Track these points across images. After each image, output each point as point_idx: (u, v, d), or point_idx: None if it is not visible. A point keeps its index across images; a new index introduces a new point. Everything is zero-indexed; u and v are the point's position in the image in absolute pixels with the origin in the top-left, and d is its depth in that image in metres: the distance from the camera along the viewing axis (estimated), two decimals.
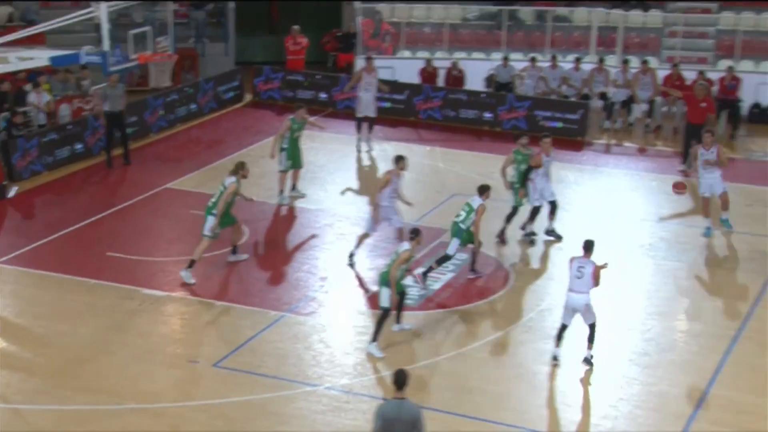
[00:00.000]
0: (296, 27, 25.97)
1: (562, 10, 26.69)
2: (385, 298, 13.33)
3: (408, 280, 14.19)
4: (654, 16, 26.34)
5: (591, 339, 13.01)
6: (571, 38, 26.52)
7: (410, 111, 23.38)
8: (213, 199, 15.47)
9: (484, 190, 15.42)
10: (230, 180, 15.49)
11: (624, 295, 15.24)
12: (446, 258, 15.41)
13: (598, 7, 26.37)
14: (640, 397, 12.52)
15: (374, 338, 13.47)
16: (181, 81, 25.52)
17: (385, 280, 13.38)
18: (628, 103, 23.42)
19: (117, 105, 20.16)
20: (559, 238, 17.01)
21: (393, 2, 27.49)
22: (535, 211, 16.99)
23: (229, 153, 21.28)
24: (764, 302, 14.96)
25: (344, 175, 20.23)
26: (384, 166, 20.49)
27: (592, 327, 12.98)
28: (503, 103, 23.38)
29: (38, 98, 20.97)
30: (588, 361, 13.06)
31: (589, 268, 12.73)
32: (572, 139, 22.49)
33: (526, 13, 26.93)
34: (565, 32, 26.60)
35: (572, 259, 12.95)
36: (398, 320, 13.93)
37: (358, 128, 21.59)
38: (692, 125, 20.22)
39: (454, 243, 15.34)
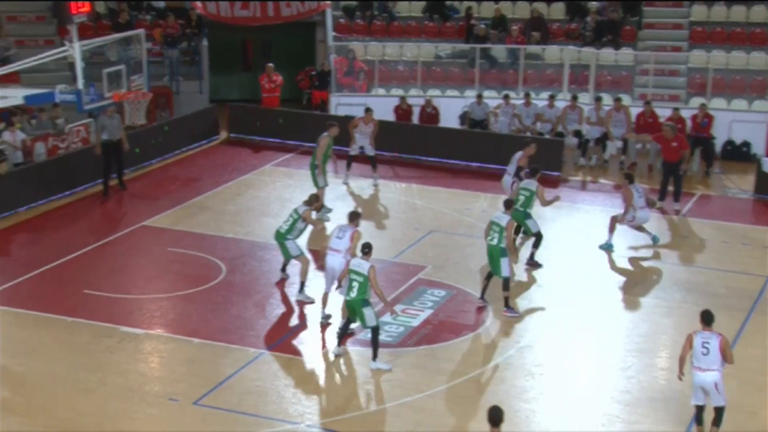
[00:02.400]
0: (271, 65, 26.10)
1: (534, 49, 26.98)
2: (371, 317, 13.71)
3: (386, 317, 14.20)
4: (625, 54, 26.70)
5: (717, 423, 12.03)
6: (543, 76, 26.80)
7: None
8: (285, 227, 15.93)
9: (510, 205, 15.90)
10: (304, 208, 15.97)
11: (603, 333, 15.30)
12: (507, 281, 15.56)
13: (570, 45, 26.69)
14: None
15: (375, 356, 13.78)
16: (155, 119, 25.48)
17: (359, 303, 13.63)
18: (602, 140, 23.64)
19: (115, 134, 20.51)
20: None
21: (366, 41, 27.72)
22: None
23: (205, 190, 21.24)
24: (744, 340, 15.04)
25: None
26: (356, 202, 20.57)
27: (719, 411, 12.00)
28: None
29: (13, 137, 20.86)
30: None
31: (715, 342, 11.84)
32: (548, 176, 22.69)
33: (498, 51, 27.19)
34: (537, 70, 26.88)
35: (692, 334, 12.02)
36: (375, 357, 13.92)
37: (348, 165, 21.88)
38: (668, 163, 20.52)
39: (504, 264, 15.45)
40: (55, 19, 26.55)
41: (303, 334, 14.95)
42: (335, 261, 14.81)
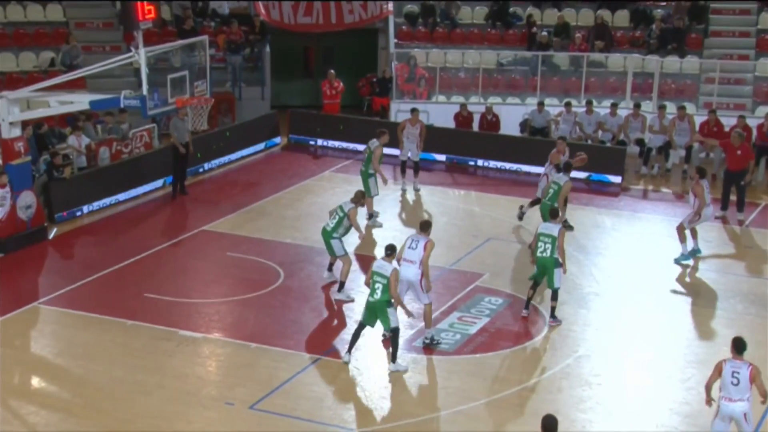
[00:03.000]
0: (332, 71, 26.23)
1: (597, 56, 26.73)
2: (394, 318, 13.76)
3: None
4: (690, 63, 26.31)
5: None
6: (606, 84, 26.53)
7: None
8: (332, 224, 16.16)
9: (556, 214, 15.85)
10: (350, 206, 16.16)
11: (663, 343, 15.07)
12: (556, 291, 15.38)
13: (634, 53, 26.40)
14: None
15: (394, 358, 13.88)
16: (217, 124, 25.76)
17: (384, 305, 13.69)
18: (665, 149, 23.32)
19: (183, 136, 21.11)
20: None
21: (428, 47, 27.71)
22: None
23: (265, 195, 21.41)
24: None
25: (382, 217, 20.17)
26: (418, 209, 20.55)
27: None
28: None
29: (78, 141, 21.28)
30: None
31: (745, 372, 11.31)
32: (609, 184, 22.52)
33: (560, 58, 26.99)
34: (600, 78, 26.62)
35: (722, 362, 11.49)
36: (394, 359, 14.00)
37: (402, 171, 21.91)
38: (731, 172, 20.21)
39: (558, 274, 15.26)
40: (121, 26, 27.01)
41: (359, 341, 14.87)
42: (409, 272, 14.50)
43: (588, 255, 18.11)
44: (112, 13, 27.52)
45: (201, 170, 23.02)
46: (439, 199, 21.54)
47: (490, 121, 24.83)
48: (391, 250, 13.99)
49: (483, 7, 28.78)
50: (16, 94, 18.54)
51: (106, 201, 20.63)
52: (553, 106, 25.13)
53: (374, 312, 13.87)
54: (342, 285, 16.21)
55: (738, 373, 11.31)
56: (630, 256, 18.30)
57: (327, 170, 23.36)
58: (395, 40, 27.76)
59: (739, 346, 11.53)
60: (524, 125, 25.05)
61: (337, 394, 13.43)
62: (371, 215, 19.54)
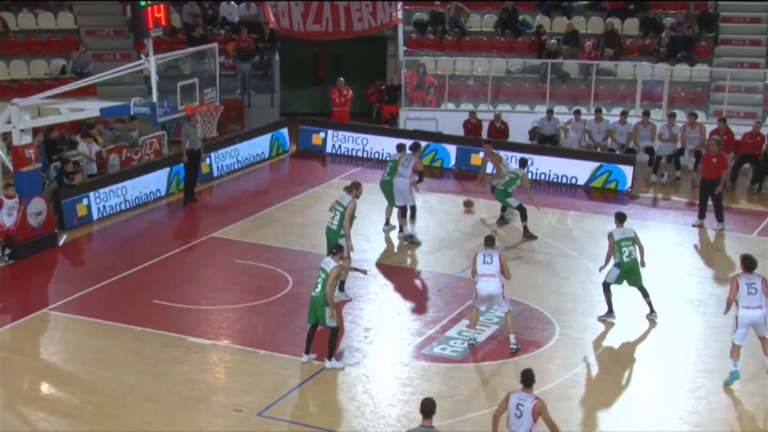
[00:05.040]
0: (341, 79, 26.28)
1: (606, 64, 26.73)
2: (333, 317, 13.95)
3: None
4: (700, 71, 26.28)
5: None
6: (615, 92, 26.52)
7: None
8: (336, 222, 16.17)
9: (623, 219, 16.22)
10: (348, 198, 16.20)
11: (672, 352, 15.03)
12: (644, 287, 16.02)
13: (644, 61, 26.38)
14: None
15: (330, 356, 14.08)
16: (227, 132, 25.83)
17: (323, 300, 13.86)
18: (674, 157, 23.28)
19: (195, 143, 21.27)
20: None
21: (437, 55, 27.74)
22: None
23: (274, 203, 21.44)
24: None
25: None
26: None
27: None
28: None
29: (89, 148, 21.34)
30: None
31: (528, 405, 10.82)
32: (618, 193, 22.51)
33: (570, 66, 26.99)
34: (609, 86, 26.62)
35: (510, 395, 11.04)
36: (330, 357, 14.15)
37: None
38: (705, 180, 20.18)
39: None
40: (132, 33, 27.11)
41: (368, 348, 14.96)
42: (492, 286, 14.61)
43: (597, 263, 18.01)
44: (122, 21, 27.64)
45: (210, 177, 22.97)
46: (449, 207, 21.53)
47: (499, 129, 24.82)
48: (336, 250, 14.30)
49: (492, 15, 28.84)
50: (27, 101, 18.61)
51: (116, 208, 20.64)
52: (563, 114, 25.13)
53: (315, 307, 14.03)
54: (342, 284, 16.31)
55: (522, 405, 10.87)
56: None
57: (335, 178, 23.37)
58: (404, 48, 27.82)
59: (526, 378, 11.02)
60: (533, 133, 25.04)
61: (345, 401, 13.42)
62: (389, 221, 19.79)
